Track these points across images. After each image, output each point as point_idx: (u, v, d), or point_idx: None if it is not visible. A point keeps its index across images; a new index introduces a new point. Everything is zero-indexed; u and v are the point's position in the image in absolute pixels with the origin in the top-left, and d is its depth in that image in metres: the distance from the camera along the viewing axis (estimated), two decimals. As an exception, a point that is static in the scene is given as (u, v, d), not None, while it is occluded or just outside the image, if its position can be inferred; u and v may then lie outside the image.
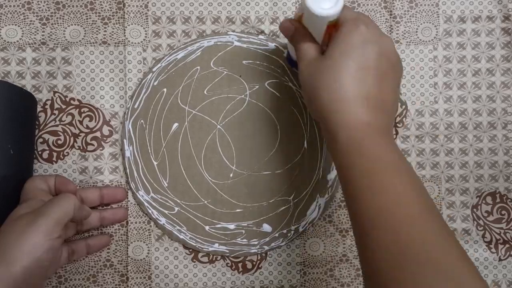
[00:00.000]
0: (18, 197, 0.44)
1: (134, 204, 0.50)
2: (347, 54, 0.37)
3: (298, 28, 0.41)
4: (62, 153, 0.49)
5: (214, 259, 0.50)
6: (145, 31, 0.50)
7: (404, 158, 0.37)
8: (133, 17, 0.50)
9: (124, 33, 0.50)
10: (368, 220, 0.34)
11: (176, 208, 0.50)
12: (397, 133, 0.51)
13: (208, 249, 0.50)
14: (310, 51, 0.40)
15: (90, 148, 0.50)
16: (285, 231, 0.50)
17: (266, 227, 0.50)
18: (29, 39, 0.50)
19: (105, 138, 0.50)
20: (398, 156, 0.37)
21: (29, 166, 0.48)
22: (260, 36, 0.51)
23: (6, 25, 0.49)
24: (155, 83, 0.50)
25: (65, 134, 0.49)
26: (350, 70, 0.37)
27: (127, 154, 0.50)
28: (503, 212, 0.51)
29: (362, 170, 0.35)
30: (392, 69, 0.39)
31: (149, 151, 0.50)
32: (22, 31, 0.50)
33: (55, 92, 0.50)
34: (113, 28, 0.50)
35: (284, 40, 0.50)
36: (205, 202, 0.50)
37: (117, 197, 0.49)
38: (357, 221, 0.35)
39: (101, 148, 0.50)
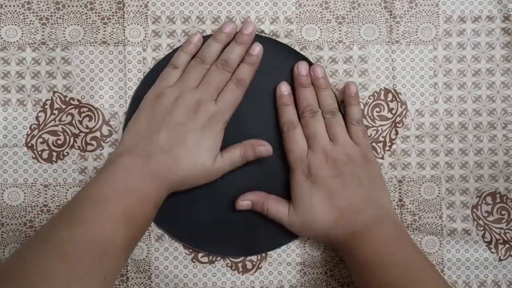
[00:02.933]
0: None
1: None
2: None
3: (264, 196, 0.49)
4: (62, 153, 0.49)
5: (214, 259, 0.50)
6: (145, 30, 0.50)
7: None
8: (133, 16, 0.50)
9: (124, 33, 0.50)
10: None
11: None
12: (397, 133, 0.51)
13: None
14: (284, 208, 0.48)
15: (89, 148, 0.49)
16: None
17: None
18: (29, 39, 0.49)
19: (104, 138, 0.50)
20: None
21: None
22: (260, 36, 0.51)
23: (6, 25, 0.49)
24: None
25: (65, 134, 0.49)
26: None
27: None
28: (503, 212, 0.51)
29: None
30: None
31: None
32: (22, 31, 0.50)
33: (54, 92, 0.50)
34: (113, 28, 0.50)
35: (284, 39, 0.50)
36: None
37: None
38: None
39: (100, 148, 0.50)
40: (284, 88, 0.49)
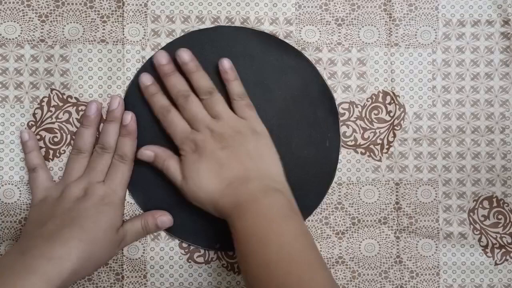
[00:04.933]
0: None
1: (133, 204, 0.49)
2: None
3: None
4: (58, 150, 0.49)
5: (209, 259, 0.50)
6: (144, 29, 0.50)
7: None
8: (132, 15, 0.50)
9: (123, 31, 0.50)
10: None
11: None
12: (395, 135, 0.51)
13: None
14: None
15: (87, 146, 0.49)
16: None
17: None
18: (28, 36, 0.49)
19: (102, 137, 0.50)
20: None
21: None
22: (259, 37, 0.51)
23: (5, 22, 0.49)
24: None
25: (62, 131, 0.49)
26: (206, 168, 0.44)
27: None
28: (500, 216, 0.51)
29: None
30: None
31: None
32: (21, 28, 0.49)
33: (52, 90, 0.49)
34: (112, 27, 0.50)
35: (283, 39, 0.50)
36: None
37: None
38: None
39: (98, 146, 0.49)
40: (145, 79, 0.48)
